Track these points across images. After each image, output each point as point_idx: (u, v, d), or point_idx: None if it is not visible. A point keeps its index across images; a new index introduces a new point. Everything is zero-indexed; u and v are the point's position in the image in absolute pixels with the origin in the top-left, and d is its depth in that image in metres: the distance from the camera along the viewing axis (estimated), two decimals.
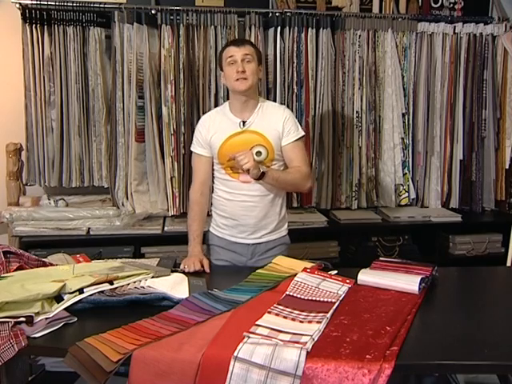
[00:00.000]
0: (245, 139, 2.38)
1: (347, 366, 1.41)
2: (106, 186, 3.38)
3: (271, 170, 2.34)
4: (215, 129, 2.43)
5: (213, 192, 2.55)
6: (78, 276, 1.97)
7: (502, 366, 1.53)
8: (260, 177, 2.27)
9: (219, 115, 2.48)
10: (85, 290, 1.85)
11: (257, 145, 2.37)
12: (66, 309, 1.76)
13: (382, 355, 1.44)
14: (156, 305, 1.84)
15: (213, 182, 2.53)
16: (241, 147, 2.34)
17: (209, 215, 2.59)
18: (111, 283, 1.93)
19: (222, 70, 2.44)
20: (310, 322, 1.65)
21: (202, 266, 2.30)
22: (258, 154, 2.35)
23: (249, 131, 2.39)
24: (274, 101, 3.39)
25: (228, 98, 3.31)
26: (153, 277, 2.05)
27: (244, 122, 2.39)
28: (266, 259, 2.40)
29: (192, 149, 2.53)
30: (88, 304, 1.82)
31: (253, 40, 3.34)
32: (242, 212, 2.42)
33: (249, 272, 2.15)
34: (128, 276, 2.01)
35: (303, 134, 2.48)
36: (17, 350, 1.55)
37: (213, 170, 2.50)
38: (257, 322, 1.62)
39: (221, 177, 2.46)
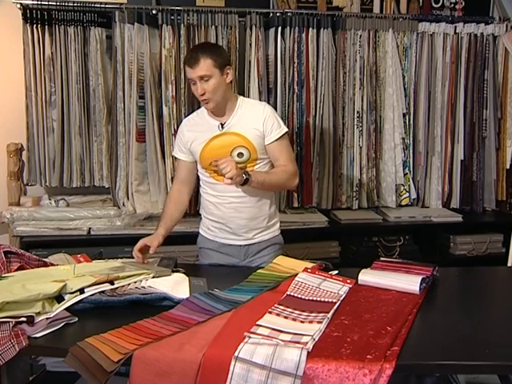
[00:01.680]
0: (224, 141, 2.31)
1: (348, 366, 1.41)
2: (106, 186, 3.38)
3: (255, 174, 2.25)
4: (195, 134, 2.37)
5: (200, 196, 2.52)
6: (78, 276, 1.97)
7: (502, 366, 1.53)
8: (244, 182, 2.20)
9: (199, 118, 2.42)
10: (86, 289, 1.85)
11: (237, 146, 2.29)
12: (66, 309, 1.76)
13: (382, 355, 1.44)
14: (157, 305, 1.84)
15: (199, 185, 2.49)
16: (221, 150, 2.29)
17: (198, 215, 2.55)
18: (112, 283, 1.93)
19: None
20: (310, 322, 1.65)
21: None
22: (240, 155, 2.29)
23: (228, 133, 2.32)
24: (275, 101, 3.40)
25: None
26: (153, 277, 2.05)
27: (222, 125, 2.33)
28: (259, 259, 2.40)
29: (173, 154, 2.53)
30: (89, 304, 1.82)
31: (253, 40, 3.34)
32: (230, 214, 2.37)
33: (249, 272, 2.15)
34: (129, 276, 2.01)
35: (286, 130, 2.38)
36: (18, 349, 1.55)
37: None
38: (257, 322, 1.62)
39: (206, 179, 2.41)
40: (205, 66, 2.21)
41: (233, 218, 2.38)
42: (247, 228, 2.39)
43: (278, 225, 2.51)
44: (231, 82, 2.36)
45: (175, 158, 2.53)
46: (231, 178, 2.15)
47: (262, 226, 2.42)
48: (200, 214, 2.59)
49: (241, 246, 2.42)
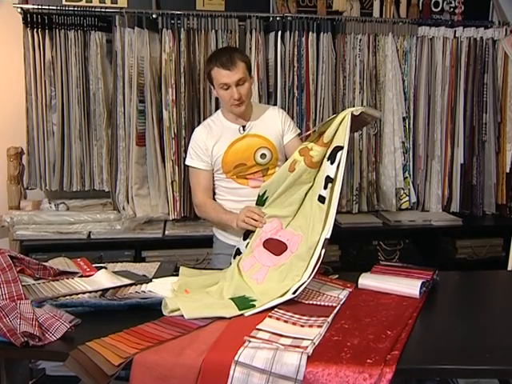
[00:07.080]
0: (247, 144, 2.35)
1: (348, 370, 1.41)
2: (106, 190, 3.38)
3: None
4: (215, 139, 2.36)
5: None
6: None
7: (502, 370, 1.53)
8: None
9: (215, 125, 2.40)
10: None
11: (260, 147, 2.35)
12: (68, 312, 1.75)
13: (382, 359, 1.44)
14: (158, 309, 1.83)
15: (214, 193, 2.44)
16: (244, 152, 2.33)
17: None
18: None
19: (211, 84, 2.32)
20: (310, 326, 1.65)
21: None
22: (263, 156, 2.35)
23: (250, 135, 2.37)
24: (275, 105, 3.39)
25: None
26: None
27: (244, 127, 2.37)
28: None
29: (189, 163, 2.43)
30: (89, 307, 1.82)
31: (253, 44, 3.34)
32: None
33: None
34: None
35: (299, 131, 2.53)
36: (68, 327, 1.60)
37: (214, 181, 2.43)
38: (257, 326, 1.62)
39: (228, 186, 2.39)
40: (241, 68, 2.22)
41: None
42: None
43: None
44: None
45: (192, 168, 2.42)
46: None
47: None
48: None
49: None
